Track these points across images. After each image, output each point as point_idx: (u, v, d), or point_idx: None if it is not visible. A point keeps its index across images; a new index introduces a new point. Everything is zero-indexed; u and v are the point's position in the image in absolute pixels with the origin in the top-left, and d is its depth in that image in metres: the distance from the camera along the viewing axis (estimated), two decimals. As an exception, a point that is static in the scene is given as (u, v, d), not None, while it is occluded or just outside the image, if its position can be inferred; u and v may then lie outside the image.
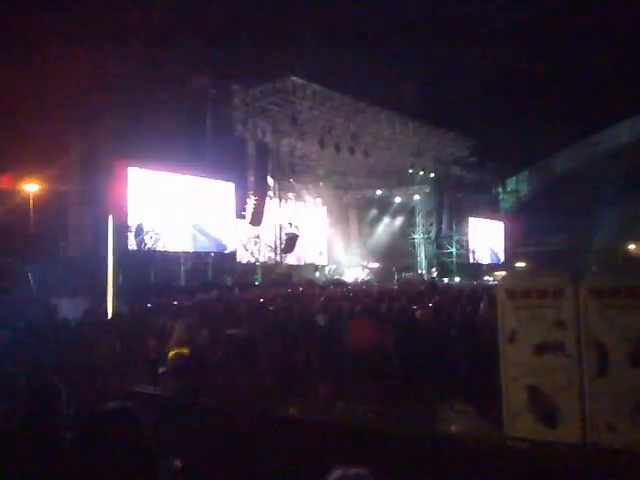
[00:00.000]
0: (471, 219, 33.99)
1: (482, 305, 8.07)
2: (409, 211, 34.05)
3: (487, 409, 3.79)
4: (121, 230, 17.74)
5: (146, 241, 20.36)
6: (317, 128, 25.95)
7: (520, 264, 29.41)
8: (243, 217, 24.80)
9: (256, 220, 25.17)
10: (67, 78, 17.25)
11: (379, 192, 33.70)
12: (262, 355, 4.52)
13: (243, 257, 25.69)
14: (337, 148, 26.55)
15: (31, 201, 18.58)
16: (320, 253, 31.26)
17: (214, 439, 3.22)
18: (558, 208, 29.39)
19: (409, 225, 34.08)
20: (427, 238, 33.21)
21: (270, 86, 23.80)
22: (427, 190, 32.60)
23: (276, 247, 26.85)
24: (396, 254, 33.38)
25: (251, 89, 23.89)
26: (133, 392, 3.97)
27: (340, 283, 23.75)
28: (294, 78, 23.68)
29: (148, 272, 20.29)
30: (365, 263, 31.08)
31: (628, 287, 3.40)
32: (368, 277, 28.39)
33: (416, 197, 33.39)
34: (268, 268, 26.49)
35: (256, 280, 24.52)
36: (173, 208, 21.94)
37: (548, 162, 33.87)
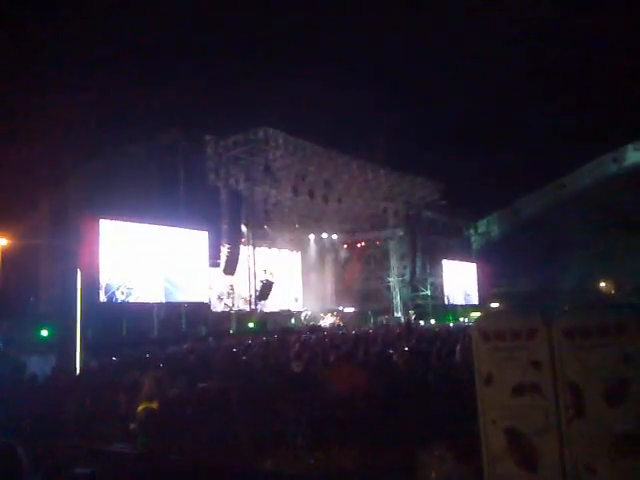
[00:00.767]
0: (444, 261, 34.30)
1: (458, 347, 8.06)
2: (383, 255, 34.23)
3: (467, 454, 3.73)
4: (91, 284, 17.47)
5: (117, 296, 20.09)
6: (290, 176, 26.21)
7: (494, 305, 29.61)
8: (217, 265, 24.62)
9: (230, 268, 25.00)
10: (36, 134, 17.22)
11: (353, 237, 33.93)
12: (236, 407, 4.41)
13: (217, 306, 25.41)
14: (311, 195, 26.79)
15: (0, 256, 18.25)
16: (295, 299, 31.13)
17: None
18: (528, 249, 29.83)
19: (383, 269, 34.21)
20: (402, 281, 33.32)
21: (242, 136, 24.04)
22: (400, 233, 32.90)
23: (251, 295, 26.65)
24: (371, 298, 33.41)
25: (223, 139, 24.09)
26: (102, 451, 3.82)
27: (316, 329, 23.57)
28: (266, 128, 23.98)
29: (119, 325, 19.91)
30: (341, 308, 30.97)
31: (597, 326, 3.41)
32: (344, 322, 28.23)
33: (390, 241, 33.65)
34: (243, 316, 26.22)
35: (231, 329, 24.21)
36: (146, 259, 21.71)
37: (517, 204, 34.54)
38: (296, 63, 23.05)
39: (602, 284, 30.57)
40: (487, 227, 36.88)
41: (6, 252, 18.45)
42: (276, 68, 23.11)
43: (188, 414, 4.26)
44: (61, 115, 18.01)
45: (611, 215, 27.35)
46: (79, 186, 18.90)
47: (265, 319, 26.74)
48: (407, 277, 33.11)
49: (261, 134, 24.00)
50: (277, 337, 18.03)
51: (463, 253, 36.25)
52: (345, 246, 34.48)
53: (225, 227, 24.81)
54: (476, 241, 37.38)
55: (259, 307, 27.12)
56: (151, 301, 21.81)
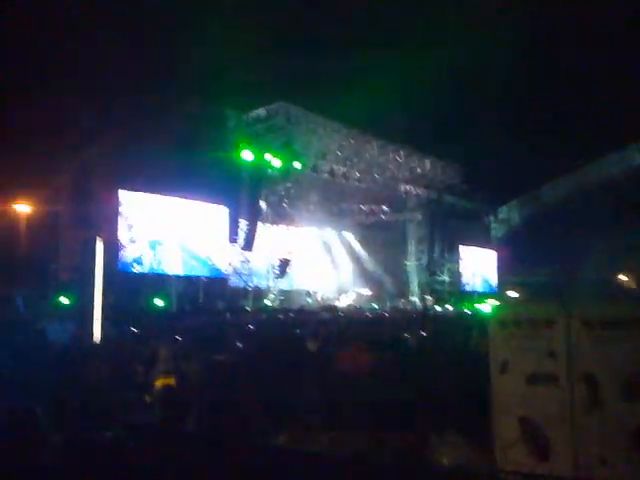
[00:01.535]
0: (463, 247, 34.09)
1: (474, 334, 8.04)
2: (401, 238, 34.08)
3: (480, 440, 3.73)
4: (111, 254, 17.68)
5: (136, 267, 20.32)
6: (311, 154, 26.10)
7: (512, 293, 29.41)
8: (235, 242, 24.74)
9: (248, 245, 25.10)
10: (59, 103, 17.32)
11: (372, 218, 33.81)
12: (250, 382, 4.45)
13: (235, 282, 25.58)
14: (331, 174, 26.71)
15: (23, 223, 18.52)
16: (312, 278, 31.19)
17: (199, 469, 3.15)
18: (550, 237, 29.49)
19: (401, 252, 34.07)
20: (419, 265, 33.20)
21: (263, 112, 23.96)
22: (419, 217, 32.70)
23: (268, 272, 26.77)
24: (388, 281, 33.37)
25: (245, 114, 24.02)
26: (119, 420, 3.89)
27: (332, 309, 23.63)
28: (287, 104, 23.87)
29: (138, 296, 20.17)
30: (357, 289, 30.98)
31: (619, 319, 3.38)
32: (360, 304, 28.27)
33: (408, 224, 33.47)
34: (259, 293, 26.38)
35: (247, 305, 24.38)
36: (165, 231, 21.90)
37: (539, 191, 34.08)
38: (317, 39, 22.78)
39: (623, 277, 30.19)
40: (508, 214, 36.48)
41: (29, 219, 18.73)
42: (298, 44, 22.84)
43: (204, 387, 4.32)
44: (83, 86, 18.09)
45: (635, 207, 26.86)
46: (100, 156, 19.02)
47: (281, 297, 26.89)
48: (424, 261, 32.97)
49: (282, 110, 23.90)
50: (292, 315, 18.14)
51: (482, 239, 35.97)
52: (364, 227, 34.35)
53: (244, 203, 24.86)
54: (496, 228, 37.03)
55: (276, 285, 27.26)
56: (170, 273, 22.05)
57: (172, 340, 7.02)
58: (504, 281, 33.85)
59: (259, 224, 25.59)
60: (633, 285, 29.26)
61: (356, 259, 34.18)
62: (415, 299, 32.00)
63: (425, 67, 22.78)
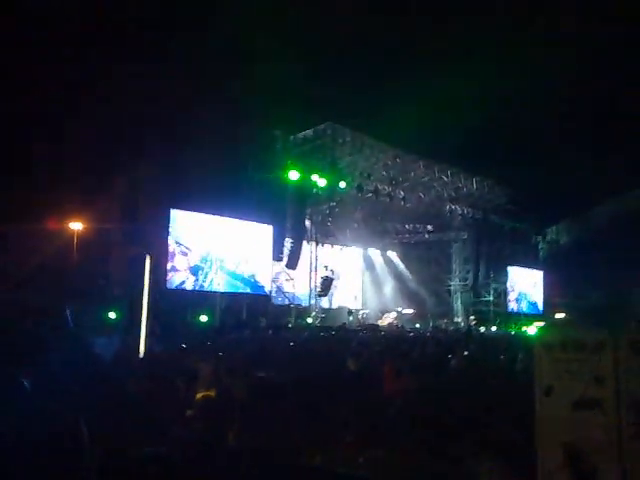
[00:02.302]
0: (510, 268, 33.51)
1: (519, 356, 7.88)
2: (446, 258, 33.73)
3: (521, 467, 3.64)
4: (159, 271, 18.07)
5: (183, 284, 20.72)
6: (356, 173, 26.22)
7: (559, 315, 28.69)
8: (280, 260, 24.97)
9: (292, 263, 25.29)
10: (111, 122, 17.88)
11: (416, 238, 33.61)
12: (290, 399, 4.47)
13: (278, 299, 25.76)
14: (376, 193, 26.74)
15: (75, 240, 19.12)
16: (355, 297, 31.13)
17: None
18: (599, 260, 28.71)
19: (445, 272, 33.72)
20: (464, 285, 32.76)
21: (311, 132, 24.26)
22: (464, 237, 32.34)
23: (311, 290, 26.86)
24: (431, 301, 33.01)
25: (292, 135, 24.37)
26: (161, 434, 3.95)
27: (374, 328, 23.50)
28: (334, 124, 24.11)
29: (183, 312, 20.51)
30: (399, 309, 30.74)
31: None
32: (402, 323, 28.02)
33: (453, 244, 33.14)
34: (302, 311, 26.48)
35: (289, 322, 24.49)
36: (212, 249, 22.30)
37: (589, 213, 33.29)
38: (364, 60, 22.97)
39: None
40: (556, 235, 35.75)
41: (80, 236, 19.33)
42: (345, 65, 23.08)
43: (244, 402, 4.36)
44: (137, 107, 18.63)
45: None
46: (151, 175, 19.53)
47: (324, 315, 26.91)
48: (469, 281, 32.54)
49: (329, 131, 24.15)
50: (334, 334, 18.12)
51: (529, 260, 35.31)
52: (408, 247, 34.15)
53: (289, 222, 25.11)
54: (544, 249, 36.30)
55: (318, 303, 27.31)
56: (214, 290, 22.38)
57: (214, 355, 7.10)
58: (551, 303, 33.08)
59: (303, 243, 25.77)
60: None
61: (399, 278, 33.96)
62: (459, 319, 31.55)
63: (473, 87, 22.68)
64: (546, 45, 22.14)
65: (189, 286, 21.41)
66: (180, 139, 19.83)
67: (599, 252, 29.25)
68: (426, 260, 34.05)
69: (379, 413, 4.91)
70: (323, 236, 28.53)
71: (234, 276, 23.13)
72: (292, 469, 3.36)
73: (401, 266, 34.13)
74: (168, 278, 20.44)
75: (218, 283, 22.51)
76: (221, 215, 22.65)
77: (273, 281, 25.18)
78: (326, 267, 27.93)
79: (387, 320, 28.65)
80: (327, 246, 29.77)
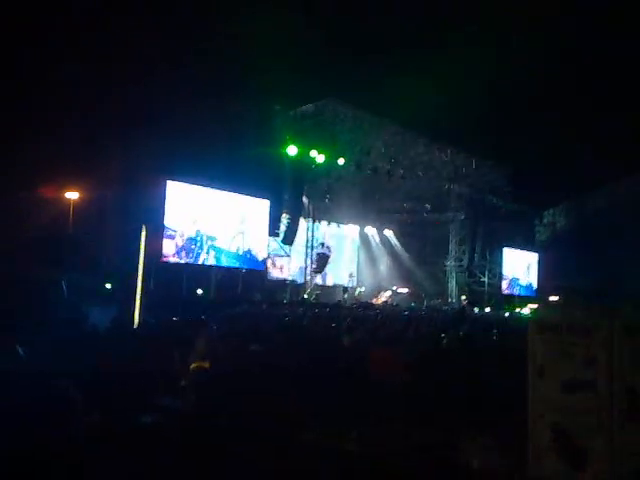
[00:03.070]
0: (505, 249, 33.57)
1: (512, 337, 7.92)
2: (442, 238, 33.74)
3: (513, 445, 3.67)
4: (155, 243, 18.04)
5: (179, 256, 20.69)
6: (355, 150, 26.07)
7: (553, 298, 28.81)
8: (276, 235, 24.97)
9: (289, 239, 25.30)
10: (108, 92, 17.69)
11: (414, 217, 33.59)
12: (283, 373, 4.48)
13: (273, 275, 25.80)
14: (374, 171, 26.61)
15: (71, 209, 19.04)
16: (350, 275, 31.20)
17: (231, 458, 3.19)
18: (595, 243, 28.77)
19: (442, 252, 33.76)
20: (459, 266, 32.84)
21: (311, 107, 24.04)
22: (462, 217, 32.33)
23: (306, 266, 26.90)
24: (427, 280, 33.11)
25: (292, 110, 24.16)
26: (153, 404, 3.96)
27: (368, 306, 23.60)
28: (334, 100, 23.89)
29: (179, 284, 20.54)
30: (394, 287, 30.84)
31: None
32: (397, 302, 28.15)
33: (450, 224, 33.13)
34: (297, 287, 26.56)
35: (284, 298, 24.57)
36: (208, 223, 22.24)
37: (587, 196, 33.25)
38: (367, 36, 22.67)
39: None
40: (553, 218, 35.76)
41: (76, 205, 19.24)
42: (347, 40, 22.80)
43: (238, 375, 4.37)
44: (136, 80, 18.42)
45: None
46: (149, 146, 19.38)
47: (318, 292, 27.00)
48: (465, 262, 32.61)
49: (329, 106, 23.94)
50: (329, 311, 18.19)
51: (525, 242, 35.38)
52: (404, 225, 34.14)
53: (286, 197, 25.04)
54: (540, 231, 36.34)
55: (314, 280, 27.37)
56: (210, 264, 22.38)
57: (209, 328, 7.12)
58: (545, 285, 33.23)
59: (300, 219, 25.74)
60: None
61: (395, 257, 34.02)
62: (453, 299, 31.69)
63: (475, 66, 22.45)
64: (549, 19, 21.81)
65: (184, 259, 21.39)
66: (179, 110, 19.62)
67: (595, 235, 29.32)
68: (423, 240, 34.08)
69: (372, 390, 4.94)
70: (320, 213, 28.48)
71: (229, 251, 23.11)
72: (283, 442, 3.38)
73: (397, 245, 34.16)
74: (163, 250, 20.40)
75: (214, 257, 22.50)
76: (218, 188, 22.56)
77: (269, 256, 25.18)
78: (322, 244, 27.96)
79: (382, 298, 28.77)
80: (324, 223, 29.75)
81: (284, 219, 25.00)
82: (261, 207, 24.25)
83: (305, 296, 25.33)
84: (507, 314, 25.63)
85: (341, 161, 25.22)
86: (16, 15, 16.31)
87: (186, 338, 6.11)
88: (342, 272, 30.87)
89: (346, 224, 32.11)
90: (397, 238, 34.19)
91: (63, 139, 17.21)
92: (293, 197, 25.03)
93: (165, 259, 20.40)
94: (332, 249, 28.80)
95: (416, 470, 3.30)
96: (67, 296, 11.32)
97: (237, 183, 22.55)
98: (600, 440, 3.29)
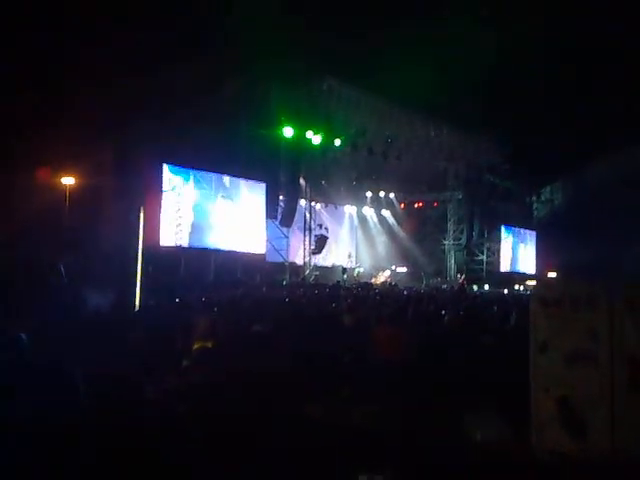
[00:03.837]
0: (503, 228, 33.61)
1: (513, 313, 7.95)
2: (440, 217, 33.76)
3: (517, 419, 3.69)
4: (153, 226, 18.00)
5: (177, 240, 20.67)
6: (351, 131, 25.93)
7: (551, 274, 28.89)
8: (274, 217, 24.92)
9: (286, 221, 25.27)
10: (105, 75, 17.51)
11: (410, 197, 33.57)
12: (285, 353, 4.49)
13: (272, 257, 25.81)
14: (370, 151, 26.48)
15: (67, 194, 18.95)
16: (349, 255, 31.23)
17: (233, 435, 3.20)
18: (594, 220, 28.78)
19: (440, 231, 33.79)
20: (457, 245, 32.89)
21: (306, 87, 23.81)
22: (459, 196, 32.30)
23: (305, 248, 26.91)
24: (426, 259, 33.17)
25: (287, 90, 23.91)
26: (156, 383, 3.97)
27: (368, 286, 23.66)
28: (330, 78, 23.65)
29: (178, 268, 20.54)
30: (393, 267, 30.90)
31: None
32: (396, 281, 28.22)
33: (448, 203, 33.11)
34: (296, 269, 26.58)
35: (284, 280, 24.60)
36: (206, 206, 22.19)
37: (584, 172, 33.16)
38: (364, 14, 22.42)
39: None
40: (551, 195, 35.74)
41: (72, 191, 19.15)
42: (344, 19, 22.54)
43: (240, 354, 4.38)
44: (129, 62, 18.23)
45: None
46: (144, 129, 19.24)
47: (318, 273, 27.06)
48: (463, 241, 32.66)
49: (325, 86, 23.72)
50: (329, 291, 18.23)
51: (523, 220, 35.41)
52: (402, 205, 34.12)
53: (283, 179, 24.96)
54: (538, 209, 36.35)
55: (313, 261, 27.40)
56: (209, 247, 22.35)
57: (210, 310, 7.13)
58: (544, 263, 33.31)
59: (298, 201, 25.70)
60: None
61: (393, 237, 34.05)
62: (452, 278, 31.78)
63: (471, 43, 22.24)
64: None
65: (184, 243, 21.36)
66: (174, 94, 19.44)
67: (593, 212, 29.32)
68: (421, 219, 34.09)
69: (375, 368, 4.95)
70: (317, 194, 28.42)
71: (231, 231, 23.07)
72: (287, 419, 3.39)
73: (395, 225, 34.17)
74: (161, 234, 20.36)
75: (213, 240, 22.47)
76: (214, 171, 22.47)
77: (267, 239, 25.16)
78: (320, 225, 27.95)
79: (381, 278, 28.82)
80: (321, 204, 29.71)
81: (281, 201, 24.95)
82: (258, 190, 24.17)
83: (304, 277, 25.39)
84: (506, 291, 25.74)
85: (337, 142, 25.10)
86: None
87: (188, 320, 6.11)
88: (341, 253, 30.90)
89: (344, 205, 32.08)
90: (395, 218, 34.18)
91: (58, 124, 17.08)
92: (290, 179, 24.95)
93: (163, 243, 20.35)
94: (330, 230, 28.78)
95: (418, 447, 3.32)
96: (66, 281, 11.32)
97: (233, 166, 22.44)
98: (601, 411, 3.32)
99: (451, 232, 33.22)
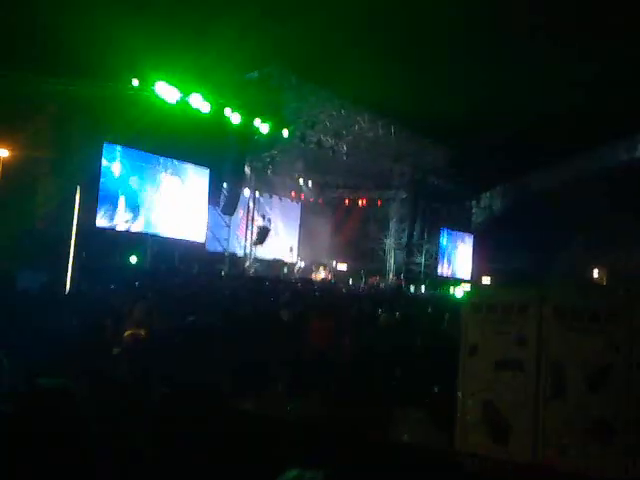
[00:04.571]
0: (443, 230, 34.28)
1: (446, 316, 8.11)
2: (382, 215, 34.13)
3: (443, 421, 3.75)
4: (89, 206, 17.45)
5: (113, 223, 20.10)
6: (300, 122, 25.81)
7: (487, 279, 29.71)
8: (216, 205, 24.58)
9: (229, 209, 24.95)
10: (49, 50, 16.87)
11: (355, 194, 33.78)
12: (220, 345, 4.44)
13: (212, 246, 25.49)
14: (319, 144, 26.45)
15: (0, 166, 18.13)
16: (290, 249, 31.21)
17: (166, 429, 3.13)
18: (528, 227, 29.73)
19: (381, 230, 34.16)
20: (398, 244, 33.33)
21: (256, 74, 23.45)
22: (403, 196, 32.72)
23: (246, 239, 26.69)
24: (366, 257, 33.48)
25: (236, 74, 23.49)
26: (81, 369, 3.84)
27: (307, 282, 23.71)
28: (281, 67, 23.40)
29: (113, 251, 19.98)
30: (334, 264, 31.08)
31: (591, 310, 3.39)
32: (336, 278, 28.40)
33: (391, 202, 33.49)
34: (236, 260, 26.35)
35: (223, 270, 24.34)
36: (145, 189, 21.67)
37: (525, 179, 34.16)
38: (317, 5, 22.31)
39: (597, 271, 30.66)
40: (490, 200, 36.66)
41: (6, 163, 18.34)
42: (298, 8, 22.39)
43: (173, 346, 4.29)
44: (80, 32, 17.57)
45: (618, 202, 26.95)
46: (87, 107, 18.60)
47: (257, 265, 26.90)
48: (404, 241, 33.10)
49: (275, 74, 23.44)
50: (267, 284, 18.16)
51: (463, 224, 36.20)
52: (346, 202, 34.31)
53: (228, 166, 24.61)
54: (477, 213, 37.23)
55: (253, 253, 27.22)
56: (146, 232, 21.84)
57: (144, 297, 6.96)
58: (479, 267, 34.19)
59: (242, 190, 25.43)
60: (604, 281, 29.74)
61: (336, 234, 34.22)
62: (391, 278, 32.20)
63: (423, 45, 22.51)
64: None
65: (120, 225, 20.80)
66: (118, 68, 18.83)
67: (529, 219, 30.27)
68: (364, 217, 34.37)
69: (308, 363, 4.95)
70: (262, 184, 28.23)
71: (170, 216, 22.61)
72: (219, 412, 3.34)
73: (338, 221, 34.33)
74: (98, 215, 19.77)
75: (150, 225, 21.97)
76: (157, 153, 21.96)
77: (208, 227, 24.81)
78: (263, 216, 27.80)
79: (321, 275, 28.94)
80: (265, 195, 29.55)
81: (224, 189, 24.61)
82: (201, 175, 23.79)
83: (244, 269, 25.21)
84: (441, 294, 26.30)
85: (285, 133, 24.91)
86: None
87: (119, 306, 5.96)
88: (282, 246, 30.83)
89: (288, 198, 32.01)
90: (338, 214, 34.34)
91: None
92: (235, 167, 24.62)
93: (99, 224, 19.78)
94: (272, 222, 28.67)
95: (345, 441, 3.33)
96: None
97: (176, 148, 21.95)
98: (524, 416, 3.41)
99: (392, 231, 33.62)
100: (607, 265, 29.72)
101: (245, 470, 2.90)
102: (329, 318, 6.72)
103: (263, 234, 26.68)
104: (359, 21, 22.57)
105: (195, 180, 23.61)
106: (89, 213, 17.37)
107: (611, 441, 3.20)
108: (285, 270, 27.25)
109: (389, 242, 33.63)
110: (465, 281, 33.09)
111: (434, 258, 33.89)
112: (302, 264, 30.52)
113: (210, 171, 23.87)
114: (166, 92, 19.52)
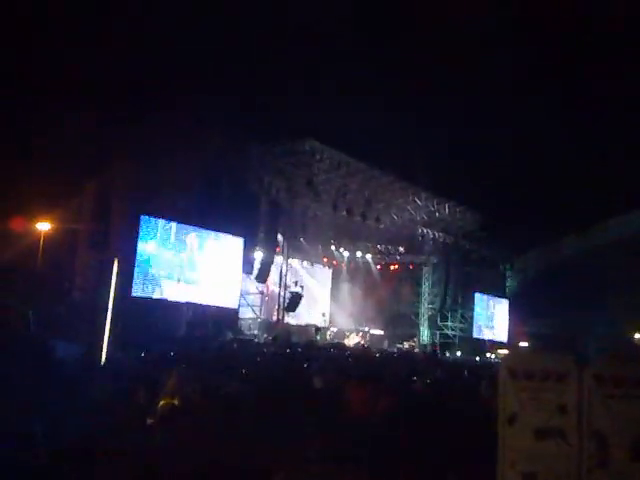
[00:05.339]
0: (477, 294, 33.83)
1: (484, 383, 7.92)
2: (415, 280, 33.94)
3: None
4: (126, 277, 17.78)
5: (149, 292, 20.40)
6: (331, 191, 26.27)
7: (523, 344, 29.00)
8: (250, 273, 24.82)
9: (262, 276, 25.17)
10: (85, 125, 17.62)
11: (387, 259, 33.79)
12: (253, 414, 4.41)
13: (245, 313, 25.57)
14: (349, 212, 26.77)
15: (41, 240, 18.73)
16: (323, 315, 31.09)
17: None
18: (565, 291, 29.16)
19: (414, 294, 33.91)
20: (431, 309, 32.96)
21: (288, 147, 24.18)
22: (435, 261, 32.60)
23: (279, 305, 26.73)
24: (399, 322, 33.12)
25: (269, 149, 24.28)
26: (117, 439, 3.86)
27: (340, 347, 23.47)
28: (312, 140, 24.07)
29: (148, 320, 20.15)
30: (367, 329, 30.78)
31: (632, 376, 3.31)
32: (369, 343, 28.05)
33: (423, 267, 33.37)
34: (269, 326, 26.33)
35: (256, 337, 24.31)
36: (181, 259, 22.03)
37: (557, 244, 33.84)
38: (347, 78, 23.06)
39: (638, 335, 29.71)
40: (524, 264, 36.24)
41: (47, 237, 18.94)
42: (328, 81, 23.18)
43: (208, 416, 4.29)
44: (111, 111, 18.40)
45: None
46: (124, 180, 19.28)
47: (290, 331, 26.79)
48: (437, 305, 32.75)
49: (307, 147, 24.13)
50: (301, 350, 18.04)
51: (497, 288, 35.72)
52: (378, 267, 34.30)
53: (261, 235, 25.00)
54: (511, 277, 36.77)
55: (285, 318, 27.19)
56: (182, 301, 22.05)
57: (178, 366, 6.98)
58: (515, 332, 33.43)
59: (274, 257, 25.69)
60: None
61: (368, 299, 34.02)
62: (425, 343, 31.70)
63: (451, 112, 22.96)
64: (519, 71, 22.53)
65: (156, 295, 21.07)
66: (155, 146, 19.57)
67: (565, 283, 29.71)
68: (396, 282, 34.23)
69: (342, 430, 4.87)
70: (294, 251, 28.49)
71: (204, 285, 22.84)
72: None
73: (370, 286, 34.22)
74: (134, 285, 20.08)
75: (186, 293, 22.20)
76: (192, 225, 22.43)
77: (242, 295, 24.97)
78: (296, 282, 27.89)
79: (354, 339, 28.66)
80: (297, 261, 29.75)
81: (258, 256, 24.91)
82: (235, 245, 24.14)
83: (277, 336, 25.10)
84: (477, 359, 25.71)
85: (317, 201, 25.35)
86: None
87: (154, 375, 5.98)
88: (315, 312, 30.74)
89: (320, 264, 32.16)
90: (371, 279, 34.26)
91: (37, 170, 17.04)
92: (268, 235, 25.02)
93: (136, 294, 20.06)
94: (305, 288, 28.72)
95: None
96: (34, 329, 11.07)
97: (211, 220, 22.46)
98: (569, 487, 3.29)
99: (425, 296, 33.34)
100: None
101: None
102: (360, 385, 6.63)
103: (295, 300, 26.70)
104: (388, 92, 23.19)
105: (230, 249, 23.95)
106: (125, 283, 17.68)
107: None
108: (318, 336, 27.06)
109: (422, 307, 33.29)
110: (502, 345, 32.32)
111: (468, 322, 33.34)
112: (335, 329, 30.31)
113: (244, 241, 24.22)
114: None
